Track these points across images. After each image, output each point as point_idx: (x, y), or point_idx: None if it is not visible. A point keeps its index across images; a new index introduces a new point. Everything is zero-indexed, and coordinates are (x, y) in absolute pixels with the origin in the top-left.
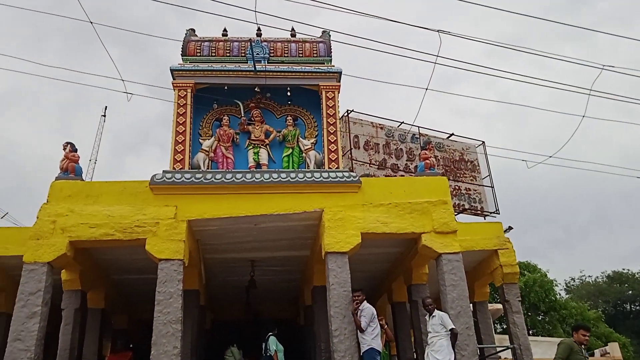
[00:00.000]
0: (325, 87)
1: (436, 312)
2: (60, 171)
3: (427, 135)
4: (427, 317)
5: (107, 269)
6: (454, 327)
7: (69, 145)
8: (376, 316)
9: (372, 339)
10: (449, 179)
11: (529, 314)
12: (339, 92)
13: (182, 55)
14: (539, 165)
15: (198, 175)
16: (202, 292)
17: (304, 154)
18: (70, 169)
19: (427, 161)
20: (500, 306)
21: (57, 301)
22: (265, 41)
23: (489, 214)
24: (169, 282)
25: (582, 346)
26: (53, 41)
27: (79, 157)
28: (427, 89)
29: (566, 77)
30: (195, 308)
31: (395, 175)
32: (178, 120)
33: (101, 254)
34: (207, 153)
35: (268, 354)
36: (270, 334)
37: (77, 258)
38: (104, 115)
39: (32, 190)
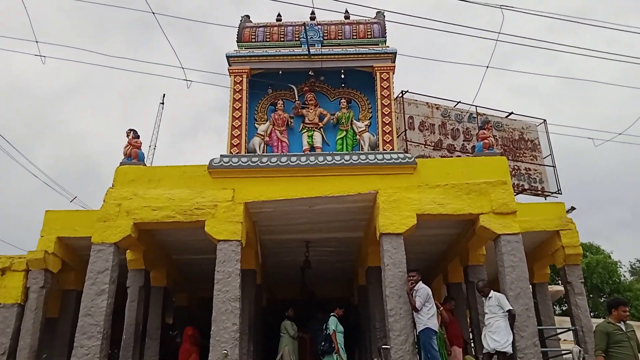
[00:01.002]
0: (379, 68)
1: (492, 294)
2: (124, 157)
3: (484, 114)
4: (483, 299)
5: (168, 250)
6: (511, 307)
7: (132, 132)
8: (432, 296)
9: (428, 319)
10: (508, 159)
11: (591, 295)
12: (393, 73)
13: (237, 42)
14: (606, 144)
15: (254, 159)
16: (259, 271)
17: (358, 136)
18: (134, 154)
19: (486, 141)
20: (560, 288)
21: (123, 279)
22: (318, 24)
23: (550, 194)
24: (228, 262)
25: (621, 323)
26: (114, 34)
27: (141, 143)
28: (487, 67)
29: (635, 51)
30: (252, 287)
31: (452, 156)
32: (234, 105)
33: (163, 235)
34: (262, 137)
35: (327, 333)
36: (332, 314)
37: (141, 239)
38: (162, 103)
39: (99, 176)
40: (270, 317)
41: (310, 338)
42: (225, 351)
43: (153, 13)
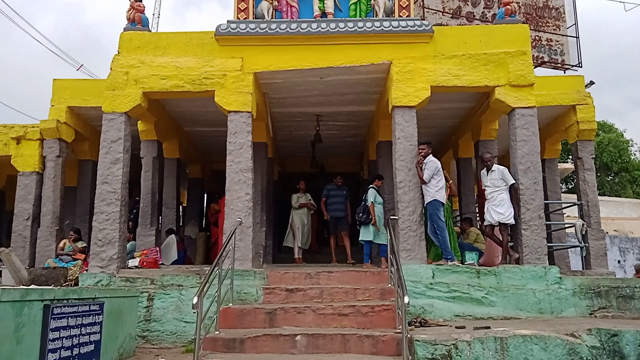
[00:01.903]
0: None
1: (495, 167)
2: (127, 22)
3: None
4: (484, 172)
5: (180, 121)
6: (514, 181)
7: None
8: (441, 170)
9: (436, 192)
10: (530, 28)
11: (598, 174)
12: None
13: None
14: (633, 20)
15: (263, 26)
16: (270, 144)
17: (372, 2)
18: (137, 19)
19: (508, 7)
20: (568, 165)
21: (137, 151)
22: None
23: (570, 67)
24: (239, 133)
25: None
26: None
27: (144, 6)
28: None
29: None
30: (264, 159)
31: (471, 25)
32: None
33: (173, 106)
34: (271, 1)
35: (365, 204)
36: (370, 186)
37: (151, 109)
38: None
39: (102, 46)
40: (281, 189)
41: (314, 206)
42: (239, 219)
43: None
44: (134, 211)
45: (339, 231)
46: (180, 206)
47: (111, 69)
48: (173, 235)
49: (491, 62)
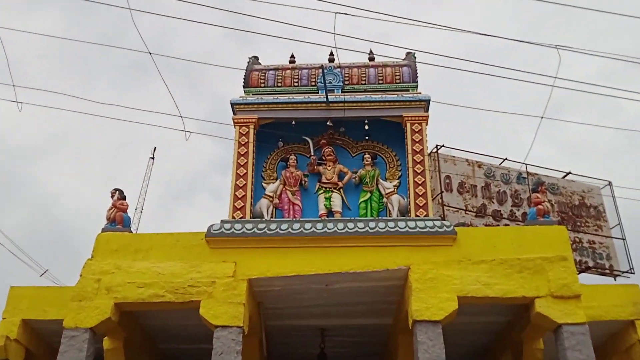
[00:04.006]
0: (410, 118)
1: None
2: (106, 222)
3: (537, 174)
4: None
5: (154, 337)
6: None
7: (117, 192)
8: None
9: None
10: (567, 229)
11: None
12: (426, 124)
13: (244, 87)
14: None
15: (261, 226)
16: None
17: (385, 199)
18: (118, 219)
19: (540, 206)
20: None
21: None
22: (338, 67)
23: (620, 273)
24: (226, 354)
25: None
26: (101, 79)
27: (127, 205)
28: (542, 117)
29: None
30: None
31: (499, 225)
32: (239, 161)
33: (149, 319)
34: (271, 199)
35: None
36: None
37: (122, 323)
38: (153, 158)
39: (75, 246)
40: None
41: None
42: None
43: (150, 53)
44: None
45: None
46: None
47: (81, 275)
48: None
49: (527, 269)
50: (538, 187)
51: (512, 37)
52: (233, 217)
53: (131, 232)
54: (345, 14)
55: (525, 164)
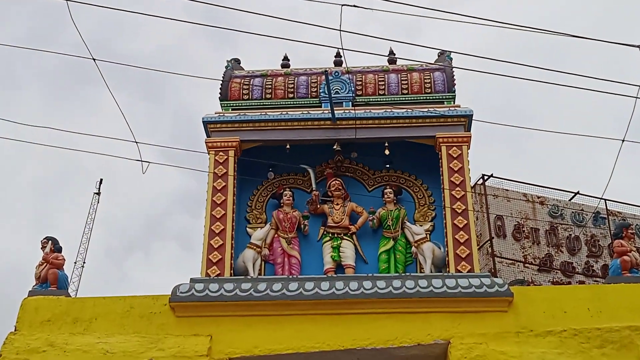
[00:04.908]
0: (446, 139)
1: None
2: (35, 282)
3: (620, 213)
4: None
5: None
6: None
7: (50, 241)
8: None
9: None
10: None
11: None
12: (468, 147)
13: (221, 100)
14: None
15: (245, 286)
16: None
17: (413, 248)
18: (51, 278)
19: (626, 257)
20: None
21: None
22: (347, 72)
23: None
24: None
25: None
26: (28, 87)
27: (64, 259)
28: (623, 141)
29: None
30: None
31: (570, 282)
32: (214, 198)
33: None
34: (258, 250)
35: None
36: None
37: None
38: (98, 193)
39: None
40: None
41: None
42: None
43: (94, 60)
44: None
45: None
46: None
47: (1, 355)
48: None
49: (610, 343)
50: (622, 231)
51: (577, 33)
52: (207, 275)
53: (69, 295)
54: (355, 6)
55: (605, 200)
